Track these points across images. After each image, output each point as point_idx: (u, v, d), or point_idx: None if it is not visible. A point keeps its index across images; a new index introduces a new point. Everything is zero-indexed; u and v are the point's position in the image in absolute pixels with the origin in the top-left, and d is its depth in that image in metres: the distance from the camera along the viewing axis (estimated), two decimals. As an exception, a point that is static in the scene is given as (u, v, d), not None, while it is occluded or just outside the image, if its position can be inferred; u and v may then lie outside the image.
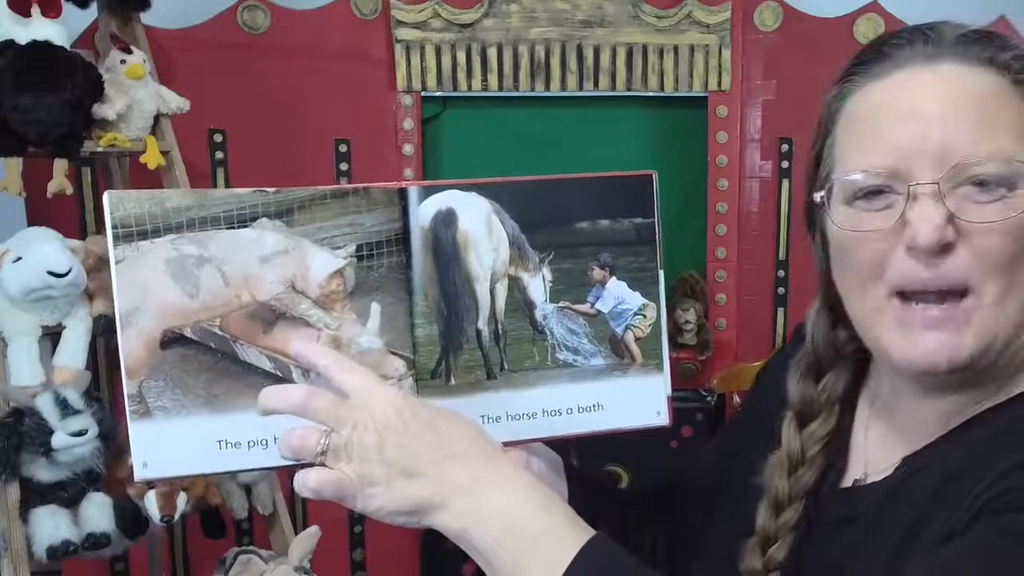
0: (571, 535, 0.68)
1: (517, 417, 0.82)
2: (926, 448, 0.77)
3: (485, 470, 0.70)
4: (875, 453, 0.82)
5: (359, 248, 0.78)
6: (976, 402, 0.77)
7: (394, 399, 0.71)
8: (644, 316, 0.85)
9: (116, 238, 0.72)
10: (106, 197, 0.72)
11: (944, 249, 0.73)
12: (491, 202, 0.80)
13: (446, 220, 0.79)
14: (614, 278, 0.84)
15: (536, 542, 0.68)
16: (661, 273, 0.85)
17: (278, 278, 0.76)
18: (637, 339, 0.85)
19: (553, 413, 0.82)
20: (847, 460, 0.84)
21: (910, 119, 0.74)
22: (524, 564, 0.68)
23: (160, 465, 0.74)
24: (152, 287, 0.73)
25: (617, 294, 0.84)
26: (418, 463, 0.69)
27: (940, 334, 0.74)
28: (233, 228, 0.74)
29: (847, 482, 0.82)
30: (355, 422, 0.70)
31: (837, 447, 0.84)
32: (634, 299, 0.84)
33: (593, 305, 0.84)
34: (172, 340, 0.75)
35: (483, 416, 0.81)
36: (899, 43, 0.78)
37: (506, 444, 0.80)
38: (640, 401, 0.83)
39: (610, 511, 0.95)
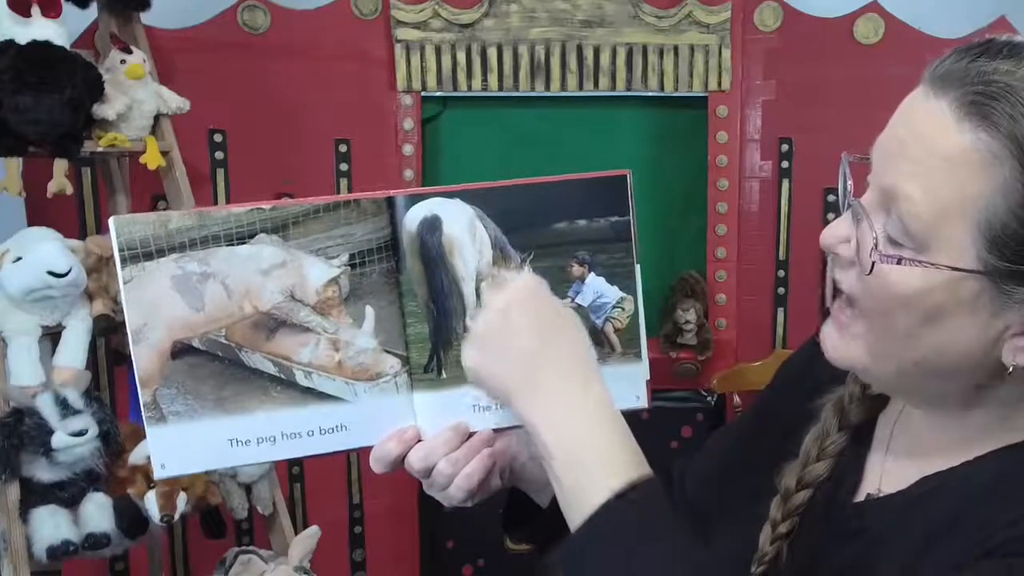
0: (623, 471, 0.71)
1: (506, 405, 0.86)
2: (948, 470, 0.75)
3: (575, 385, 0.75)
4: (892, 468, 0.81)
5: (352, 257, 0.82)
6: (1009, 428, 0.74)
7: (530, 286, 0.77)
8: (622, 309, 0.88)
9: (124, 260, 0.77)
10: (112, 223, 0.77)
11: (846, 259, 0.73)
12: (473, 207, 0.84)
13: (432, 226, 0.83)
14: (592, 274, 0.87)
15: (592, 464, 0.72)
16: (638, 268, 0.88)
17: (278, 288, 0.81)
18: (616, 330, 0.88)
19: None
20: (861, 476, 0.83)
21: (887, 129, 0.71)
22: (575, 478, 0.72)
23: (177, 465, 0.81)
24: (160, 303, 0.79)
25: (596, 289, 0.88)
26: (520, 351, 0.75)
27: (828, 326, 0.77)
28: (232, 245, 0.79)
29: (860, 496, 0.81)
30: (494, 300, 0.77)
31: (851, 463, 0.83)
32: (612, 293, 0.88)
33: (573, 300, 0.87)
34: (181, 351, 0.80)
35: (474, 406, 0.85)
36: (944, 56, 0.70)
37: (496, 431, 0.85)
38: (621, 387, 0.86)
39: None
